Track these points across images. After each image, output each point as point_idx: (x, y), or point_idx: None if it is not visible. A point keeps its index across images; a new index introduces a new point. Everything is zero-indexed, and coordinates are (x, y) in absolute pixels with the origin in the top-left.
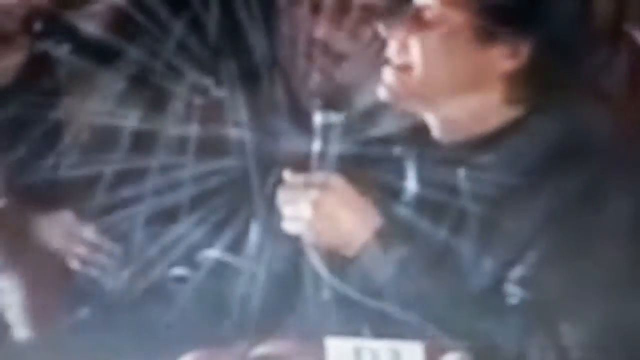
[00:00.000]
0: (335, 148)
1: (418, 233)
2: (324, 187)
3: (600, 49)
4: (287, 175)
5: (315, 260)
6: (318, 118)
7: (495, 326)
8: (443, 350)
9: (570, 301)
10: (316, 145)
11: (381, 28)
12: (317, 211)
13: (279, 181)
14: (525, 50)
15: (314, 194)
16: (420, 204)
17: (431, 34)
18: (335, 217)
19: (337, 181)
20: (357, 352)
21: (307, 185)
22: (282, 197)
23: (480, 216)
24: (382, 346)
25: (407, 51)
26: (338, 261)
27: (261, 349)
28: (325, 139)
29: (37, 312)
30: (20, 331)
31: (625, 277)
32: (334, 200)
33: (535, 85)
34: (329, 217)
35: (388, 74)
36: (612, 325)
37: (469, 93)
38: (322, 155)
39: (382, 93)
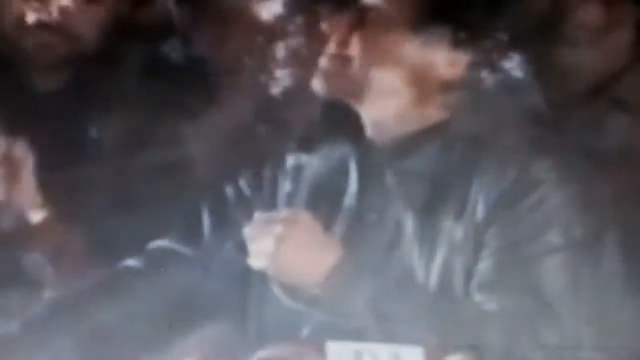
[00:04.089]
0: (305, 188)
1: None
2: (288, 222)
3: None
4: (256, 214)
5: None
6: (290, 160)
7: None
8: (443, 354)
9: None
10: (287, 186)
11: (325, 26)
12: (280, 246)
13: None
14: (463, 60)
15: (277, 228)
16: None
17: (372, 32)
18: (296, 252)
19: (302, 216)
20: (358, 356)
21: (272, 221)
22: (248, 233)
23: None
24: (383, 349)
25: (347, 46)
26: (300, 295)
27: (262, 353)
28: (296, 180)
29: None
30: None
31: None
32: (296, 235)
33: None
34: (291, 251)
35: (325, 63)
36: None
37: (404, 94)
38: (292, 194)
39: (316, 84)
